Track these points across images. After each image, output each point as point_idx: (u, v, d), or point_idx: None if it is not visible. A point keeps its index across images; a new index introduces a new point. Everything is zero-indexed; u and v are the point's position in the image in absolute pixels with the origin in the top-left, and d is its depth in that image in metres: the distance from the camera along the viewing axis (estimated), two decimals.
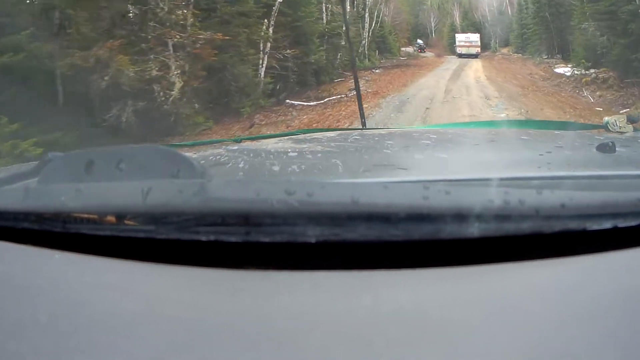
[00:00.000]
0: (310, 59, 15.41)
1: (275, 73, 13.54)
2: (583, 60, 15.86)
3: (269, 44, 13.27)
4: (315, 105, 13.01)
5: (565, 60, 20.63)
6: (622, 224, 0.55)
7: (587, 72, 15.51)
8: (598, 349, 0.41)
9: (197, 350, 0.42)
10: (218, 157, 1.12)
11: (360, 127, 2.52)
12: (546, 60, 22.84)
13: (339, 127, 9.40)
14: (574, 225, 0.53)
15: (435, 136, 1.36)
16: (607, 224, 0.54)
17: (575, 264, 0.52)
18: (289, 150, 1.24)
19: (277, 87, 13.65)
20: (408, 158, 1.03)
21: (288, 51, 13.76)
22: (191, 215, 0.54)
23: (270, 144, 1.48)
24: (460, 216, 0.51)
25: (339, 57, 18.76)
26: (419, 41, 44.02)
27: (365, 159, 1.07)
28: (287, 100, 13.45)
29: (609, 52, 14.76)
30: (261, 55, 13.22)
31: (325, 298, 0.49)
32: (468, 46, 34.78)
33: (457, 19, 50.74)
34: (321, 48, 16.87)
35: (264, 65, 13.22)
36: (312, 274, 0.52)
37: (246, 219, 0.53)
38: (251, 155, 1.16)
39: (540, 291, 0.48)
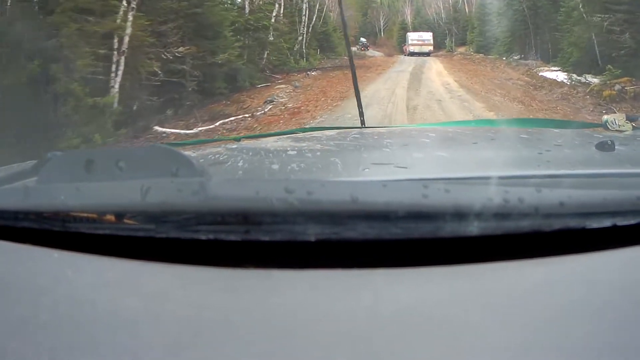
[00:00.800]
0: (217, 58, 11.46)
1: (160, 80, 9.54)
2: (610, 67, 11.43)
3: (127, 39, 8.91)
4: (194, 135, 8.81)
5: (545, 61, 17.67)
6: (621, 222, 0.55)
7: (610, 81, 11.13)
8: (598, 346, 0.41)
9: (197, 348, 0.42)
10: (217, 155, 1.12)
11: (360, 125, 2.52)
12: (520, 61, 19.45)
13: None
14: (573, 223, 0.54)
15: (434, 134, 1.36)
16: (607, 222, 0.54)
17: (574, 262, 0.52)
18: (289, 148, 1.25)
19: (135, 108, 9.18)
20: (407, 156, 1.03)
21: (181, 48, 10.15)
22: (191, 214, 0.54)
23: (270, 142, 1.48)
24: (460, 214, 0.51)
25: (265, 55, 15.26)
26: (362, 39, 42.22)
27: (364, 157, 1.07)
28: (157, 128, 9.04)
29: (637, 55, 11.15)
30: (115, 56, 8.76)
31: (325, 297, 0.49)
32: (421, 44, 34.02)
33: (409, 17, 46.87)
34: (237, 44, 12.96)
35: (119, 73, 8.81)
36: (311, 273, 0.52)
37: (245, 217, 0.53)
38: (250, 153, 1.16)
39: (540, 289, 0.48)
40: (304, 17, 21.62)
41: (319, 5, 24.55)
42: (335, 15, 29.94)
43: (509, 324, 0.44)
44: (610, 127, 1.51)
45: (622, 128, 1.49)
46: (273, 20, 16.20)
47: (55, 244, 0.61)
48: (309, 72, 17.07)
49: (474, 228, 0.51)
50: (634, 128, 1.49)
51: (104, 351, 0.43)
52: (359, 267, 0.51)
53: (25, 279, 0.57)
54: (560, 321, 0.43)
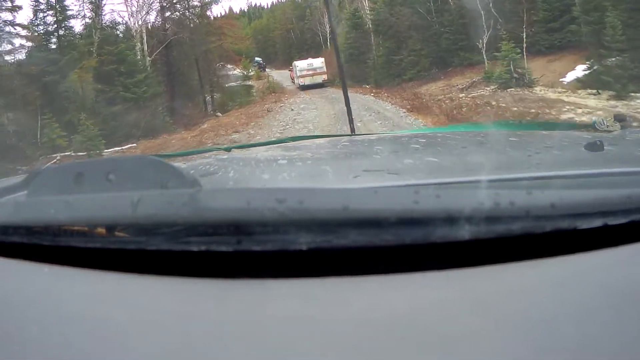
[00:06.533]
0: None
1: None
2: None
3: None
4: None
5: None
6: (612, 221, 0.55)
7: None
8: (591, 346, 0.41)
9: None
10: (208, 166, 1.12)
11: (349, 133, 2.54)
12: None
13: None
14: (564, 224, 0.54)
15: (424, 140, 1.36)
16: (597, 222, 0.54)
17: (566, 263, 0.52)
18: (279, 158, 1.25)
19: None
20: (398, 162, 1.03)
21: None
22: (182, 225, 0.54)
23: (260, 152, 1.48)
24: (451, 219, 0.51)
25: None
26: (257, 59, 37.03)
27: (355, 164, 1.07)
28: None
29: None
30: None
31: (318, 305, 0.49)
32: (312, 74, 28.02)
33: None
34: None
35: None
36: (304, 282, 0.52)
37: (237, 228, 0.53)
38: (241, 164, 1.16)
39: (533, 291, 0.48)
40: None
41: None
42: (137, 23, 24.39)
43: (503, 327, 0.43)
44: (598, 128, 1.53)
45: (610, 128, 1.50)
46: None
47: (45, 259, 0.60)
48: None
49: (465, 232, 0.51)
50: (622, 128, 1.50)
51: None
52: (352, 274, 0.51)
53: (15, 294, 0.57)
54: (554, 322, 0.43)
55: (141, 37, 23.75)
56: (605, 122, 1.53)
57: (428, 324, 0.44)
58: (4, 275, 0.62)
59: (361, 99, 18.44)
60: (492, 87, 17.04)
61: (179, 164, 1.05)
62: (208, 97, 25.97)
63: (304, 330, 0.45)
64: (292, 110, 18.43)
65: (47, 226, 0.61)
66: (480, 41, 19.55)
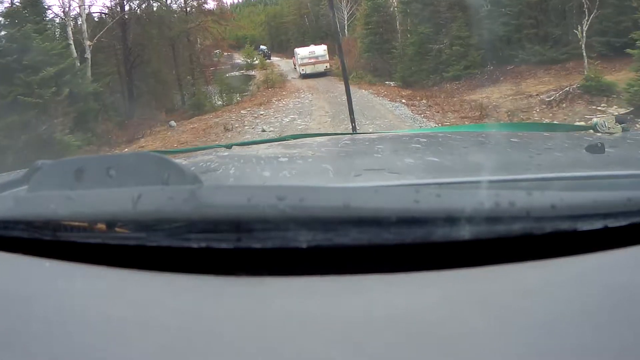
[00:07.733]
0: None
1: None
2: None
3: None
4: None
5: None
6: (612, 223, 0.55)
7: None
8: (591, 348, 0.41)
9: (189, 357, 0.42)
10: (208, 163, 1.12)
11: (351, 131, 2.55)
12: None
13: None
14: (564, 226, 0.54)
15: (425, 140, 1.36)
16: (598, 224, 0.54)
17: (566, 264, 0.52)
18: (280, 155, 1.25)
19: None
20: (399, 162, 1.03)
21: None
22: (182, 222, 0.54)
23: (261, 149, 1.48)
24: (452, 219, 0.51)
25: None
26: (262, 47, 36.04)
27: (356, 163, 1.07)
28: None
29: None
30: None
31: (318, 303, 0.49)
32: (314, 63, 26.44)
33: None
34: None
35: None
36: (304, 280, 0.52)
37: (237, 225, 0.53)
38: (242, 161, 1.16)
39: (533, 292, 0.49)
40: None
41: None
42: None
43: (502, 328, 0.44)
44: (600, 130, 1.52)
45: (611, 130, 1.50)
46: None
47: (46, 253, 0.60)
48: None
49: (465, 232, 0.51)
50: (623, 130, 1.50)
51: None
52: (352, 273, 0.51)
53: (16, 289, 0.57)
54: (553, 323, 0.43)
55: (67, 11, 17.03)
56: (606, 124, 1.53)
57: (427, 323, 0.44)
58: (4, 269, 0.62)
59: (387, 111, 12.82)
60: (623, 109, 9.50)
61: (179, 160, 1.05)
62: (192, 92, 21.00)
63: (303, 328, 0.45)
64: (264, 132, 12.06)
65: (47, 221, 0.61)
66: (579, 28, 12.75)
